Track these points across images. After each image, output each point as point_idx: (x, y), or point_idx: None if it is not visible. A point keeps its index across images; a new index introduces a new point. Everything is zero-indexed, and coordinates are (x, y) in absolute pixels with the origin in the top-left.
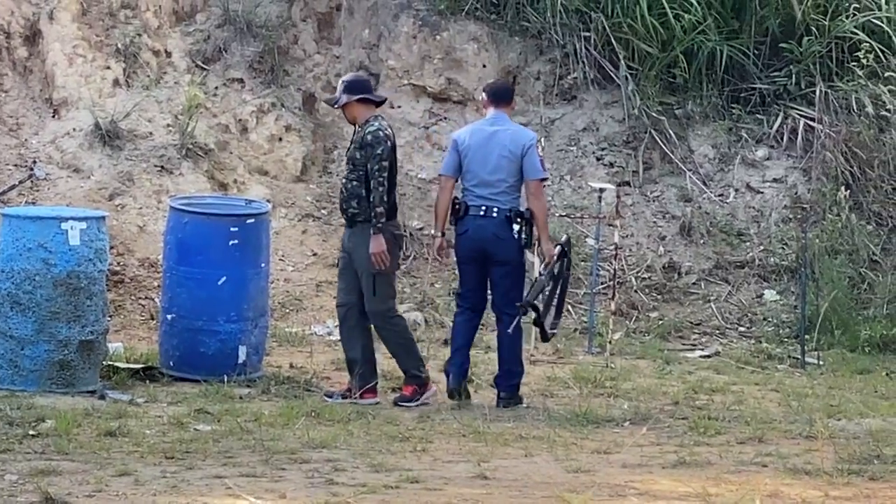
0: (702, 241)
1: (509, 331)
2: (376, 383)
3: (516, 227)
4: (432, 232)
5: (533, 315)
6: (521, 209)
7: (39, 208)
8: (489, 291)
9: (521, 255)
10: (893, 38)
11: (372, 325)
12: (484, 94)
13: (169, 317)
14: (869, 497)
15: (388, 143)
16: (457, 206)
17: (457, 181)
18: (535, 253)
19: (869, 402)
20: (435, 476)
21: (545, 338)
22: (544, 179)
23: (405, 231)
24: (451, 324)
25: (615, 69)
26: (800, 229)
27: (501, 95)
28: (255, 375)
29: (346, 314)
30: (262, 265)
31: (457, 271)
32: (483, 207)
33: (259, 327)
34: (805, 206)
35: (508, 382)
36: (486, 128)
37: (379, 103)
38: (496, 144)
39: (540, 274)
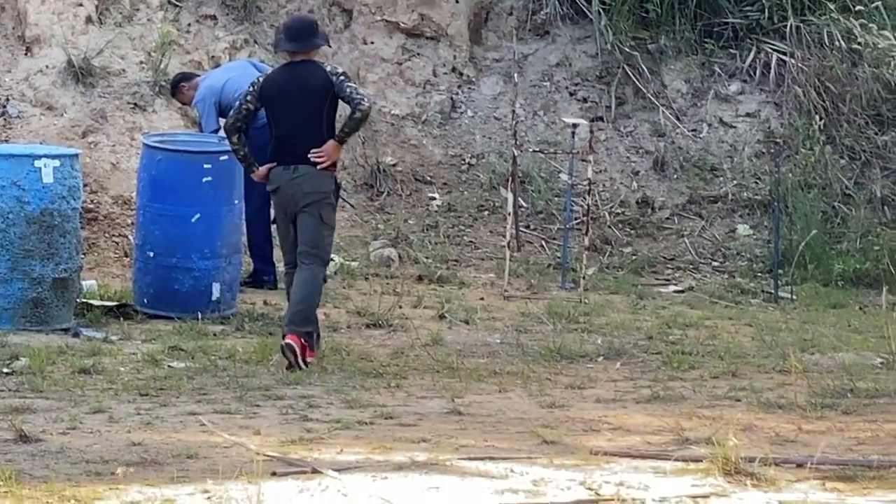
0: (675, 176)
1: None
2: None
3: None
4: None
5: None
6: None
7: (12, 146)
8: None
9: None
10: None
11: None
12: None
13: (143, 254)
14: (842, 430)
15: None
16: None
17: None
18: (509, 189)
19: (842, 336)
20: (409, 412)
21: None
22: None
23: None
24: (426, 260)
25: (588, 4)
26: (773, 164)
27: None
28: (229, 312)
29: None
30: (236, 202)
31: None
32: None
33: (233, 264)
34: (778, 140)
35: None
36: None
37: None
38: None
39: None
